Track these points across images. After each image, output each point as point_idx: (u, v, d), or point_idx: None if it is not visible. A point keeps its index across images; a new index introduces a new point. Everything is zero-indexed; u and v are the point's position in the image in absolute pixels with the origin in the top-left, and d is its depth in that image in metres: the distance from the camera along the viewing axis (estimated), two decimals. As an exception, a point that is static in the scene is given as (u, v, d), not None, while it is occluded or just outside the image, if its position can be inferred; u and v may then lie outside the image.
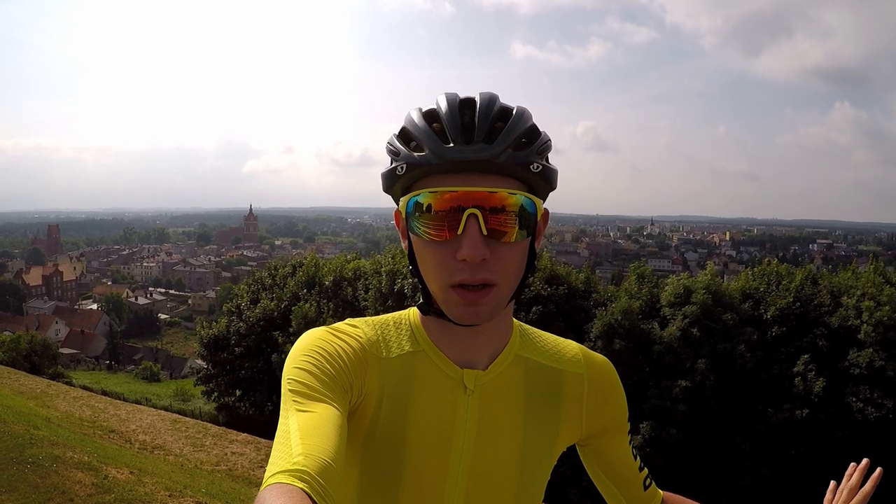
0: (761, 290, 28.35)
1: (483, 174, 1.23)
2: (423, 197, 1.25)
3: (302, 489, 0.94)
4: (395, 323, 1.46)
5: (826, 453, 24.22)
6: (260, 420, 32.43)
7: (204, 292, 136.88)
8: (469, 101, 1.29)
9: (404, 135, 1.30)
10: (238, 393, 36.40)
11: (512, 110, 1.30)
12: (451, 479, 1.36)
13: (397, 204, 1.36)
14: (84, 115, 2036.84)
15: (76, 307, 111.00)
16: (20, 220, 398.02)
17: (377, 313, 1.49)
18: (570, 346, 1.56)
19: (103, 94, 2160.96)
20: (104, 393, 33.29)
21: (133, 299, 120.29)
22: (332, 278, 36.32)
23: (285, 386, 1.22)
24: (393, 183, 1.31)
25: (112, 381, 54.21)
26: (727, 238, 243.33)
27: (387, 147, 1.34)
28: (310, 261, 39.54)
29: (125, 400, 30.68)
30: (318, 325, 1.42)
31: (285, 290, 37.36)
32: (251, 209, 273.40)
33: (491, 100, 1.29)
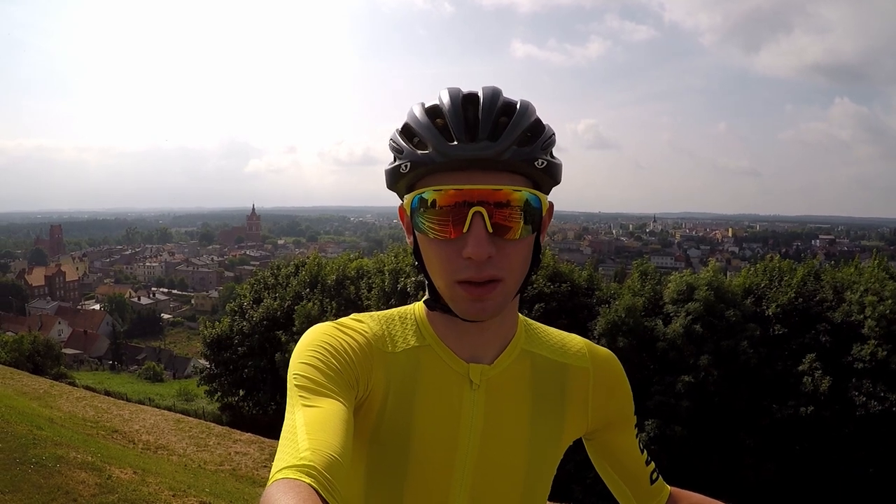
0: (762, 286, 28.35)
1: (487, 171, 1.23)
2: (428, 195, 1.25)
3: (309, 484, 0.94)
4: (400, 318, 1.46)
5: (830, 449, 24.26)
6: (263, 420, 32.44)
7: (207, 292, 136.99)
8: (472, 97, 1.28)
9: (407, 131, 1.30)
10: (241, 392, 36.39)
11: (516, 105, 1.28)
12: (457, 474, 1.36)
13: (402, 200, 1.35)
14: (86, 116, 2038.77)
15: (79, 307, 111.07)
16: (23, 220, 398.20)
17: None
18: (575, 340, 1.56)
19: (106, 94, 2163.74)
20: (107, 393, 33.32)
21: (136, 299, 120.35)
22: (334, 277, 36.33)
23: (291, 381, 1.21)
24: (397, 180, 1.31)
25: (115, 381, 54.23)
26: (730, 235, 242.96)
27: (390, 143, 1.33)
28: (312, 260, 39.50)
29: (128, 400, 30.74)
30: (320, 323, 1.41)
31: (288, 289, 37.35)
32: (254, 209, 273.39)
33: (494, 94, 1.28)
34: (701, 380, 25.55)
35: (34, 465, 8.55)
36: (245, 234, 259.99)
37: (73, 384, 33.27)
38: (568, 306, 28.74)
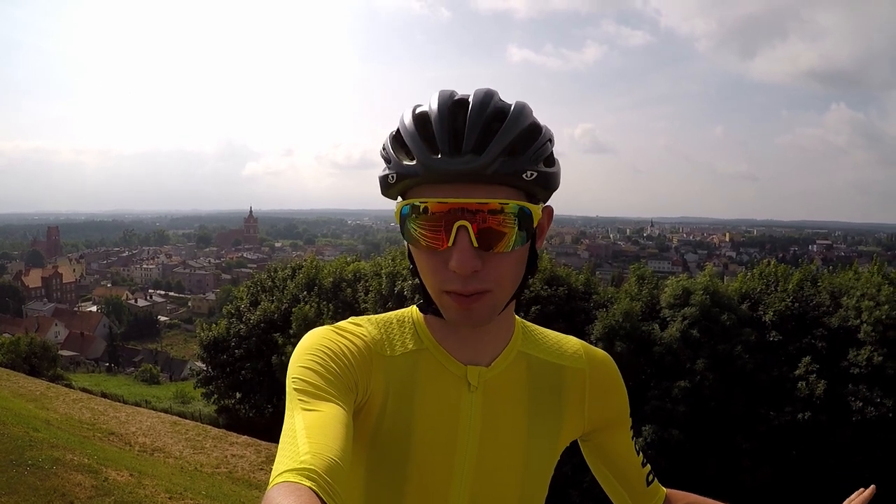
0: (759, 290, 28.35)
1: (473, 184, 1.20)
2: (416, 205, 1.23)
3: (310, 488, 0.94)
4: (398, 321, 1.45)
5: (827, 454, 24.27)
6: (260, 422, 32.42)
7: (204, 294, 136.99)
8: (463, 102, 1.25)
9: (397, 139, 1.28)
10: (238, 395, 36.38)
11: (508, 109, 1.25)
12: (456, 476, 1.36)
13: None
14: (84, 118, 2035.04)
15: (76, 309, 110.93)
16: (20, 222, 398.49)
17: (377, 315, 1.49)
18: (571, 341, 1.57)
19: (103, 96, 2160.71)
20: (104, 395, 33.29)
21: (133, 301, 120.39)
22: (331, 280, 36.33)
23: (290, 385, 1.21)
24: (387, 189, 1.30)
25: (112, 383, 54.18)
26: (727, 239, 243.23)
27: (381, 151, 1.32)
28: (310, 263, 39.50)
29: (125, 402, 30.69)
30: (318, 327, 1.41)
31: (285, 292, 37.36)
32: (251, 211, 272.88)
33: (485, 99, 1.24)
34: (697, 384, 25.56)
35: (30, 467, 8.54)
36: (242, 237, 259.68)
37: (69, 386, 33.22)
38: (565, 310, 28.74)
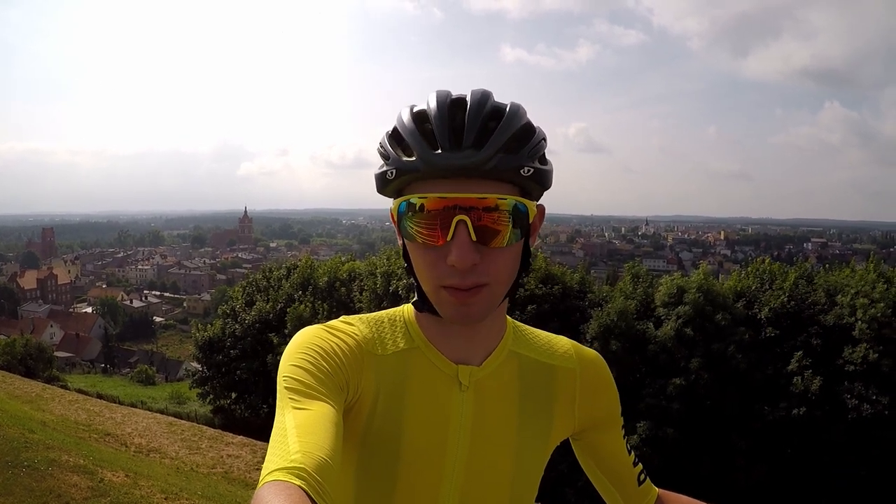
0: (753, 289, 28.35)
1: (473, 179, 1.22)
2: (414, 201, 1.25)
3: (300, 487, 0.94)
4: (389, 320, 1.46)
5: (822, 451, 24.29)
6: (255, 422, 32.38)
7: (199, 295, 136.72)
8: (460, 101, 1.27)
9: (395, 136, 1.29)
10: (233, 395, 36.35)
11: (505, 109, 1.27)
12: (446, 475, 1.36)
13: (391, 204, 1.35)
14: (79, 119, 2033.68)
15: (71, 310, 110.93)
16: (14, 223, 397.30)
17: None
18: (562, 341, 1.57)
19: (99, 97, 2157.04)
20: (99, 396, 33.27)
21: (128, 302, 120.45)
22: (326, 280, 36.29)
23: (281, 383, 1.21)
24: (385, 185, 1.30)
25: (107, 384, 54.08)
26: (722, 238, 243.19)
27: (378, 148, 1.33)
28: (305, 263, 39.45)
29: (120, 403, 30.67)
30: (310, 326, 1.42)
31: (280, 291, 37.30)
32: (246, 211, 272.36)
33: (482, 99, 1.27)
34: (692, 382, 25.57)
35: (26, 469, 8.54)
36: (237, 237, 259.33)
37: (65, 387, 33.21)
38: (560, 308, 28.74)
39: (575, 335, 26.04)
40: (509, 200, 1.24)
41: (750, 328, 26.71)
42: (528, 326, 1.59)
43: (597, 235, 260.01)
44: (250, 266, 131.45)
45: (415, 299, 1.43)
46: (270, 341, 34.08)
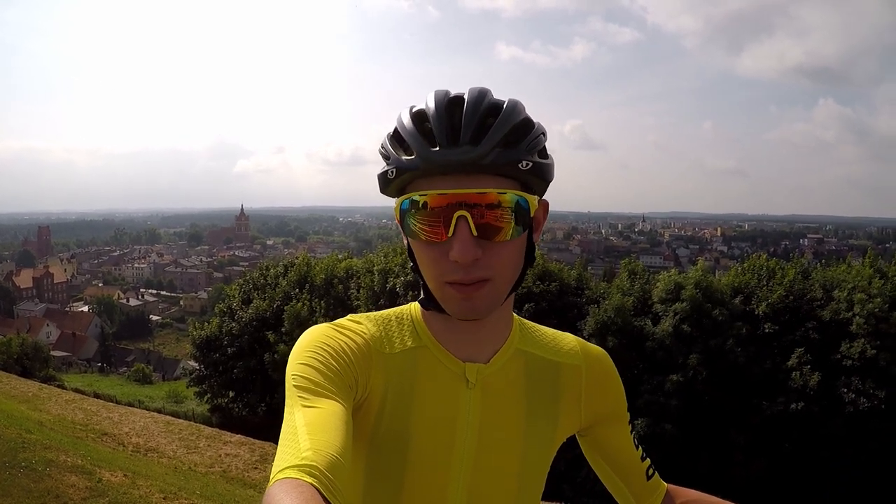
0: (752, 284, 28.40)
1: (472, 175, 1.23)
2: (416, 198, 1.25)
3: (312, 484, 0.93)
4: (396, 318, 1.46)
5: (820, 445, 24.35)
6: (253, 421, 32.39)
7: (196, 293, 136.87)
8: (458, 99, 1.27)
9: (396, 136, 1.30)
10: (231, 394, 36.34)
11: (502, 105, 1.28)
12: (454, 473, 1.37)
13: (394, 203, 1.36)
14: (75, 117, 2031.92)
15: (67, 309, 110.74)
16: (10, 221, 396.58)
17: (369, 311, 1.49)
18: (568, 338, 1.58)
19: (95, 95, 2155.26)
20: (96, 395, 33.26)
21: (124, 301, 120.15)
22: (323, 277, 36.31)
23: (289, 382, 1.21)
24: (387, 185, 1.31)
25: (104, 383, 54.03)
26: (718, 234, 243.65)
27: (379, 149, 1.33)
28: (301, 260, 39.49)
29: (118, 402, 30.67)
30: (311, 325, 1.41)
31: (277, 289, 37.29)
32: (242, 209, 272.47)
33: (480, 96, 1.27)
34: (690, 379, 25.61)
35: (24, 469, 8.52)
36: (234, 235, 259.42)
37: (61, 387, 33.19)
38: (557, 306, 28.77)
39: (572, 332, 25.47)
40: (510, 195, 1.24)
41: (747, 323, 26.76)
42: (533, 323, 1.59)
43: (593, 232, 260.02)
44: (247, 264, 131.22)
45: (421, 297, 1.43)
46: (268, 339, 34.06)
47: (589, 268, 51.07)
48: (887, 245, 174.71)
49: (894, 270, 26.49)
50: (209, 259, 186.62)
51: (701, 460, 25.01)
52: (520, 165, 1.24)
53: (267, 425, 30.07)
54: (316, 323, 1.42)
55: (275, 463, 1.00)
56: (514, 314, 1.52)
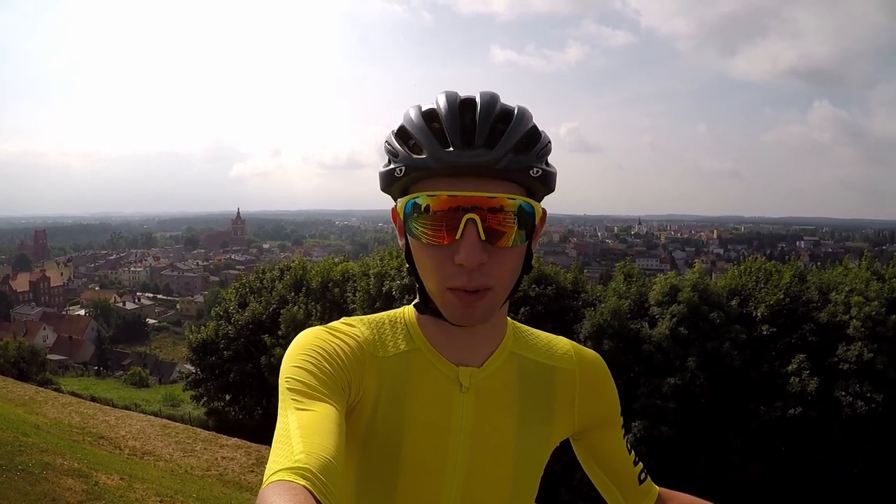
0: (749, 287, 28.38)
1: (483, 178, 1.23)
2: (422, 199, 1.25)
3: (304, 486, 0.94)
4: (390, 321, 1.47)
5: (817, 449, 24.32)
6: (250, 424, 32.33)
7: (192, 297, 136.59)
8: (469, 102, 1.28)
9: (403, 134, 1.30)
10: (227, 397, 36.25)
11: (513, 111, 1.29)
12: (448, 476, 1.37)
13: (395, 203, 1.36)
14: (72, 121, 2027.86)
15: (64, 313, 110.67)
16: (7, 225, 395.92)
17: (365, 315, 1.50)
18: (562, 342, 1.59)
19: (91, 99, 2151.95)
20: (93, 399, 33.29)
21: (121, 304, 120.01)
22: (319, 281, 36.26)
23: (283, 384, 1.21)
24: (391, 183, 1.31)
25: (100, 387, 53.96)
26: (715, 236, 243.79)
27: (385, 146, 1.33)
28: (297, 264, 39.43)
29: (114, 406, 30.72)
30: (307, 328, 1.42)
31: (273, 293, 37.24)
32: (239, 213, 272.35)
33: (492, 101, 1.28)
34: (687, 382, 25.58)
35: (21, 472, 8.52)
36: (230, 239, 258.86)
37: (58, 390, 33.18)
38: (553, 309, 28.72)
39: (568, 335, 25.29)
40: (517, 201, 1.25)
41: (745, 326, 26.74)
42: (527, 327, 1.60)
43: (590, 235, 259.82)
44: (243, 267, 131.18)
45: (416, 301, 1.43)
46: (264, 343, 34.00)
47: (585, 271, 51.10)
48: (884, 247, 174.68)
49: (891, 273, 26.47)
50: (205, 263, 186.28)
51: (698, 463, 24.97)
52: (531, 172, 1.26)
53: (263, 429, 30.03)
54: (312, 326, 1.42)
55: (268, 465, 1.01)
56: (508, 318, 1.53)
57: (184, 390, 41.43)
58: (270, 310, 36.09)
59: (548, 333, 1.61)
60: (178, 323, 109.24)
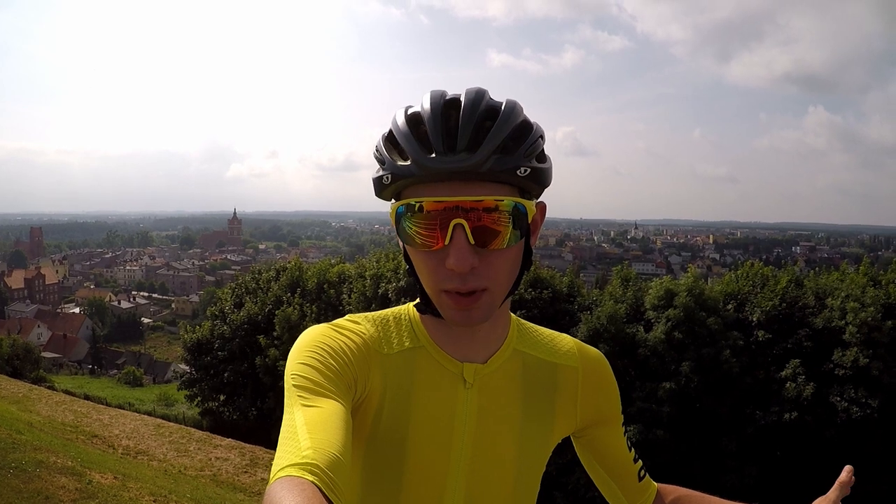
0: (745, 291, 28.41)
1: (469, 182, 1.22)
2: (410, 205, 1.24)
3: (312, 482, 0.94)
4: (394, 319, 1.47)
5: (812, 454, 24.35)
6: (244, 425, 32.33)
7: (187, 296, 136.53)
8: (454, 102, 1.26)
9: (390, 140, 1.29)
10: (222, 398, 36.23)
11: (500, 107, 1.26)
12: (452, 472, 1.38)
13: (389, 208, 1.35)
14: (69, 119, 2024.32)
15: (58, 311, 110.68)
16: (2, 222, 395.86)
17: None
18: (565, 340, 1.60)
19: (88, 97, 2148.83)
20: (86, 397, 33.27)
21: (116, 303, 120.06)
22: (315, 282, 36.27)
23: (289, 381, 1.21)
24: (381, 190, 1.30)
25: (94, 385, 54.05)
26: (710, 241, 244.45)
27: (374, 153, 1.32)
28: (293, 265, 39.43)
29: (108, 405, 30.69)
30: (302, 329, 1.42)
31: (269, 294, 37.24)
32: (235, 213, 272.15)
33: (477, 99, 1.25)
34: (683, 386, 25.60)
35: (14, 470, 8.50)
36: (226, 239, 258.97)
37: (52, 388, 33.16)
38: (549, 313, 28.72)
39: None
40: (507, 202, 1.23)
41: (740, 331, 26.76)
42: (531, 324, 1.61)
43: (586, 239, 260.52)
44: (239, 268, 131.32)
45: (417, 301, 1.44)
46: (259, 343, 33.99)
47: (581, 275, 51.26)
48: (879, 253, 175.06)
49: (888, 279, 26.51)
50: (201, 262, 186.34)
51: (693, 467, 25.00)
52: (518, 172, 1.23)
53: (257, 429, 30.02)
54: (307, 327, 1.42)
55: (275, 462, 1.01)
56: (512, 315, 1.53)
57: (178, 390, 41.49)
58: (266, 310, 36.09)
59: (551, 331, 1.62)
60: (173, 322, 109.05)
